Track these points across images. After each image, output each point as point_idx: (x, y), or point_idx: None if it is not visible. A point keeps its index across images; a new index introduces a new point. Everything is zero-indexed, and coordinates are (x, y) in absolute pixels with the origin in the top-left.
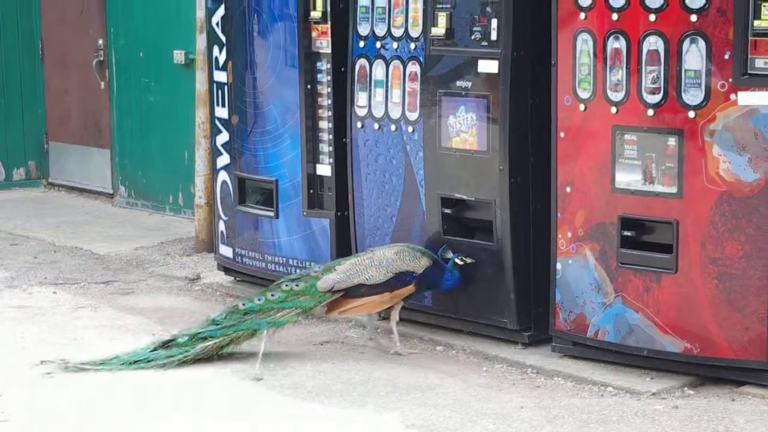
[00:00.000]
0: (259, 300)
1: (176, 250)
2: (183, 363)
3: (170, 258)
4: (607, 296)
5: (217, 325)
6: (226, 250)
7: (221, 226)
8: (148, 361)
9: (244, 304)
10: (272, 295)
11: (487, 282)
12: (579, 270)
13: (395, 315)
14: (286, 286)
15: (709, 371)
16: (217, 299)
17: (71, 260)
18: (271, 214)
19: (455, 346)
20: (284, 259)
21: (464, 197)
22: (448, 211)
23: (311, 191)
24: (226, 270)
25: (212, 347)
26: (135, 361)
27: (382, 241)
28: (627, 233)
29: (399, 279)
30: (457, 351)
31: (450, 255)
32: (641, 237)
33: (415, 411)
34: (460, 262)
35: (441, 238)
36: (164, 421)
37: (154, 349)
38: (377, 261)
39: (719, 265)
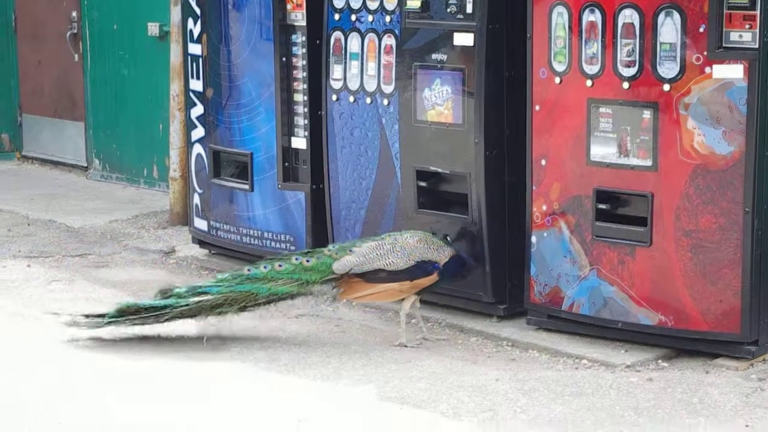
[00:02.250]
0: (265, 268)
1: (151, 223)
2: (177, 317)
3: (145, 231)
4: (582, 269)
5: (217, 283)
6: (200, 223)
7: (196, 199)
8: (145, 310)
9: (249, 270)
10: (279, 266)
11: None
12: (554, 243)
13: (406, 306)
14: (296, 259)
15: (683, 343)
16: (191, 272)
17: (45, 233)
18: (246, 187)
19: (430, 319)
20: (259, 232)
21: (439, 170)
22: (423, 184)
23: (286, 164)
24: (201, 243)
25: (207, 304)
26: (134, 310)
27: (357, 214)
28: (602, 206)
29: (420, 268)
30: (432, 324)
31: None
32: (616, 210)
33: (390, 383)
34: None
35: (416, 210)
36: (134, 401)
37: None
38: (399, 247)
39: (693, 238)
